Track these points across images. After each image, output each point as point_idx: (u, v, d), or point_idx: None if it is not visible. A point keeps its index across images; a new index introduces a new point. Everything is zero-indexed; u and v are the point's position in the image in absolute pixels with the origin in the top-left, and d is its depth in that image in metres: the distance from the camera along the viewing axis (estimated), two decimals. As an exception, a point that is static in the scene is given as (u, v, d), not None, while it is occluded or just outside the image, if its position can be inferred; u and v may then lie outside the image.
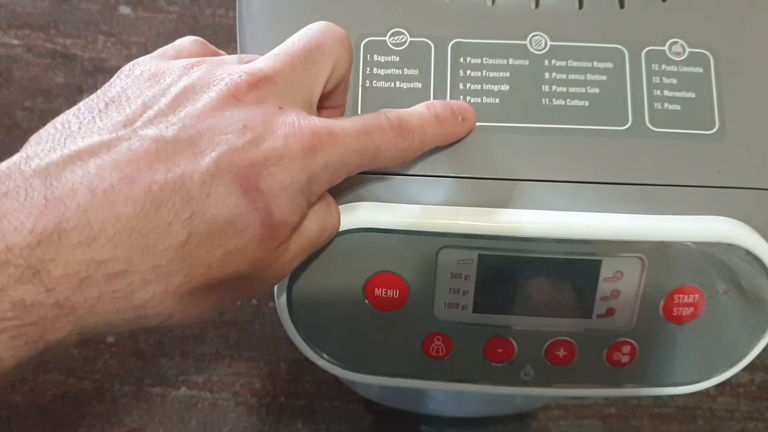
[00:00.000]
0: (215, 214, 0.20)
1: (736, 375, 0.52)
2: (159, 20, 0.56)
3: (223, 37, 0.54)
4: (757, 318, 0.26)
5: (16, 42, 0.56)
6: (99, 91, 0.22)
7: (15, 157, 0.19)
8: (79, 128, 0.20)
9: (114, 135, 0.20)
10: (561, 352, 0.27)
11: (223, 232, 0.21)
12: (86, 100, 0.22)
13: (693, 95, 0.26)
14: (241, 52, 0.28)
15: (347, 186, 0.25)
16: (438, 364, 0.27)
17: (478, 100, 0.26)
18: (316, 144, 0.22)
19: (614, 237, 0.24)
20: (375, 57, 0.27)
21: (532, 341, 0.27)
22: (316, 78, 0.24)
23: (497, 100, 0.26)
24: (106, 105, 0.21)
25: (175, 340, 0.49)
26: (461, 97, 0.26)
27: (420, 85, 0.26)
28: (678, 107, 0.26)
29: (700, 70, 0.26)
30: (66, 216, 0.18)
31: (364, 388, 0.46)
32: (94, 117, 0.21)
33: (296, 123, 0.22)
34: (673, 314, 0.26)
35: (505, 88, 0.26)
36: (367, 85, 0.27)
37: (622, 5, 0.27)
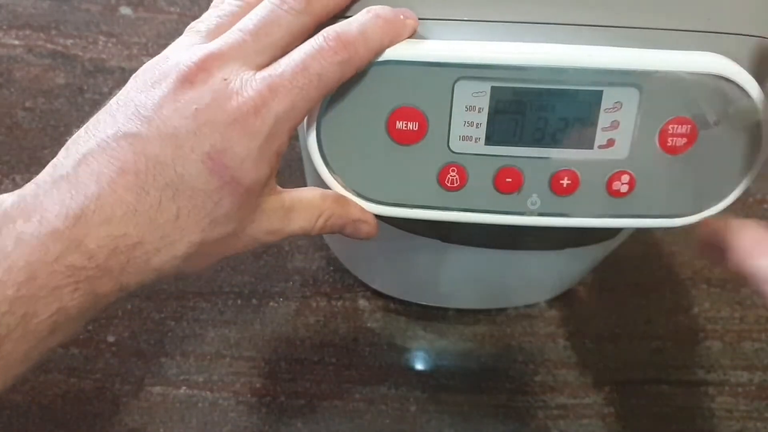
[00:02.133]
0: (193, 191, 0.25)
1: (735, 375, 0.52)
2: (159, 21, 0.56)
3: (224, 38, 0.53)
4: (744, 151, 0.29)
5: (16, 42, 0.56)
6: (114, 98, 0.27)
7: (60, 154, 0.25)
8: (91, 132, 0.25)
9: (105, 137, 0.25)
10: (565, 181, 0.29)
11: (204, 205, 0.25)
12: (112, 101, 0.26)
13: None
14: None
15: None
16: (452, 195, 0.30)
17: None
18: (260, 104, 0.25)
19: (614, 66, 0.27)
20: None
21: (538, 171, 0.29)
22: (272, 44, 0.26)
23: None
24: (114, 110, 0.26)
25: (175, 340, 0.50)
26: None
27: None
28: None
29: None
30: (86, 204, 0.23)
31: (366, 273, 0.49)
32: (101, 120, 0.26)
33: (239, 91, 0.25)
34: (668, 144, 0.29)
35: None
36: None
37: None
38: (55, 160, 0.25)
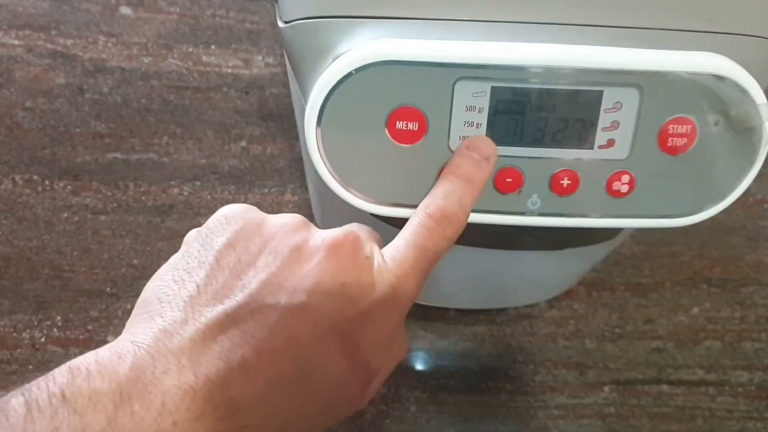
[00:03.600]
0: (323, 373, 0.23)
1: (735, 375, 0.52)
2: (159, 21, 0.56)
3: (223, 38, 0.54)
4: (744, 151, 0.29)
5: (16, 42, 0.56)
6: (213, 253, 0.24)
7: (152, 326, 0.21)
8: (199, 293, 0.23)
9: (235, 304, 0.22)
10: (565, 182, 0.29)
11: (328, 387, 0.23)
12: (194, 254, 0.24)
13: None
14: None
15: (369, 27, 0.28)
16: None
17: None
18: (397, 291, 0.24)
19: (614, 66, 0.27)
20: None
21: (538, 171, 0.29)
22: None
23: None
24: (217, 264, 0.23)
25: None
26: None
27: None
28: None
29: None
30: (212, 393, 0.21)
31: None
32: (210, 277, 0.23)
33: (382, 276, 0.24)
34: (668, 145, 0.29)
35: None
36: None
37: None
38: (159, 300, 0.23)
